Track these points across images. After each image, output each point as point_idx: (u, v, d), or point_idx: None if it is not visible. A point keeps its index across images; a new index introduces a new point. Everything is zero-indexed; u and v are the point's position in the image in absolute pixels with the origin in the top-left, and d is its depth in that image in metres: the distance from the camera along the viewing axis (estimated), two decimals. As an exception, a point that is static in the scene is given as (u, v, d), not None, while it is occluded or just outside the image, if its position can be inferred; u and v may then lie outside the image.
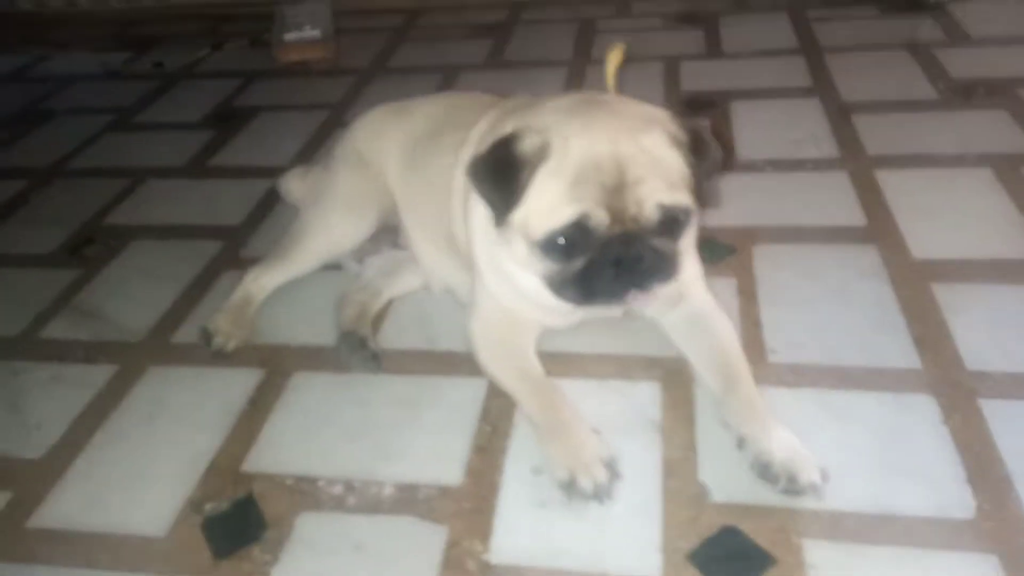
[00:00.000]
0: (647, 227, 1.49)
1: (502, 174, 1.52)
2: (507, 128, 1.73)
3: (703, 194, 1.55)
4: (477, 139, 1.90)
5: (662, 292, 1.58)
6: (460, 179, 1.90)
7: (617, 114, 1.57)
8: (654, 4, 4.13)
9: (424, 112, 2.17)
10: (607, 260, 1.49)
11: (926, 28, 3.47)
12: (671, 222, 1.51)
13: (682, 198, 1.51)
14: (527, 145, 1.51)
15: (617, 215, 1.48)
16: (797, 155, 2.58)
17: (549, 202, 1.49)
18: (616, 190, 1.47)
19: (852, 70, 3.12)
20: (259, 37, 4.24)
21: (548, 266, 1.57)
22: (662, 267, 1.53)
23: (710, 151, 1.58)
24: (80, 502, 1.65)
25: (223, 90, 3.70)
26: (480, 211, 1.74)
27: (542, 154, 1.50)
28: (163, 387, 1.94)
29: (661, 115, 1.60)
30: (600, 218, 1.47)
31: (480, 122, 1.93)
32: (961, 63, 3.08)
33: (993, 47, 3.20)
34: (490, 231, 1.69)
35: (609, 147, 1.48)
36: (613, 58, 1.86)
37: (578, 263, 1.53)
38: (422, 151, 2.06)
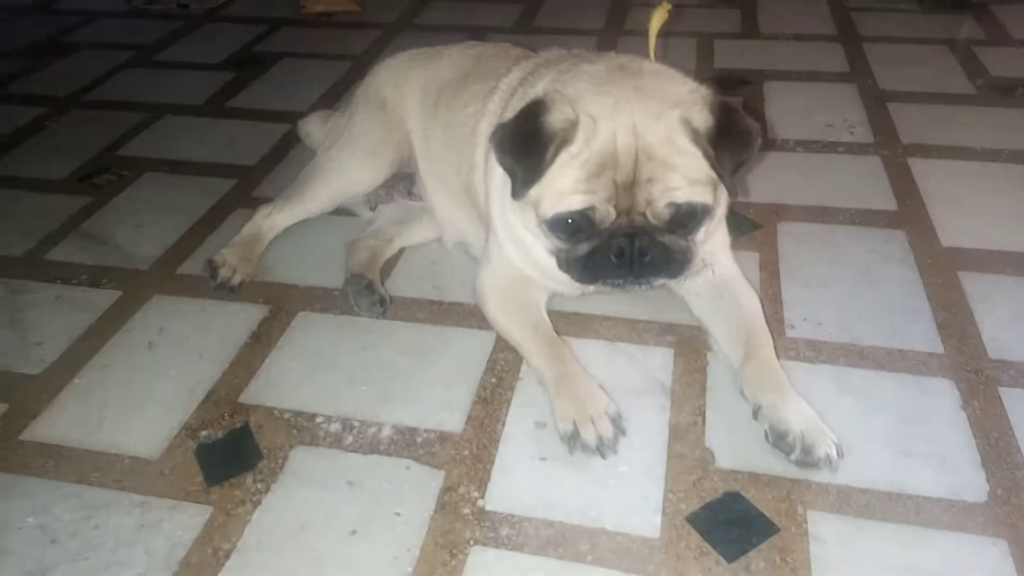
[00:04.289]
0: (657, 224, 1.46)
1: (528, 148, 1.45)
2: (538, 87, 1.69)
3: (729, 183, 1.46)
4: (507, 90, 1.84)
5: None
6: (485, 129, 1.85)
7: (647, 94, 1.47)
8: (690, -18, 4.05)
9: (450, 59, 2.12)
10: (610, 250, 1.47)
11: (967, 27, 3.39)
12: (685, 218, 1.47)
13: (698, 194, 1.44)
14: (556, 120, 1.44)
15: (626, 210, 1.45)
16: (829, 138, 2.52)
17: (563, 186, 1.45)
18: (628, 187, 1.43)
19: (890, 60, 3.05)
20: (287, -15, 4.20)
21: (554, 243, 1.55)
22: (669, 262, 1.49)
23: (740, 136, 1.47)
24: (75, 419, 1.62)
25: (247, 35, 3.66)
26: (501, 170, 1.70)
27: (568, 133, 1.43)
28: (166, 315, 1.90)
29: (692, 95, 1.48)
30: (605, 213, 1.45)
31: (512, 72, 1.88)
32: (1002, 62, 3.00)
33: (1036, 48, 3.13)
34: (506, 193, 1.65)
35: (630, 139, 1.41)
36: (657, 18, 1.80)
37: (584, 247, 1.50)
38: (446, 98, 2.01)
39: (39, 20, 4.02)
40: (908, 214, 2.13)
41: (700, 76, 2.99)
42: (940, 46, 3.19)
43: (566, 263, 1.55)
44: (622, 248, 1.46)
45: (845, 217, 2.13)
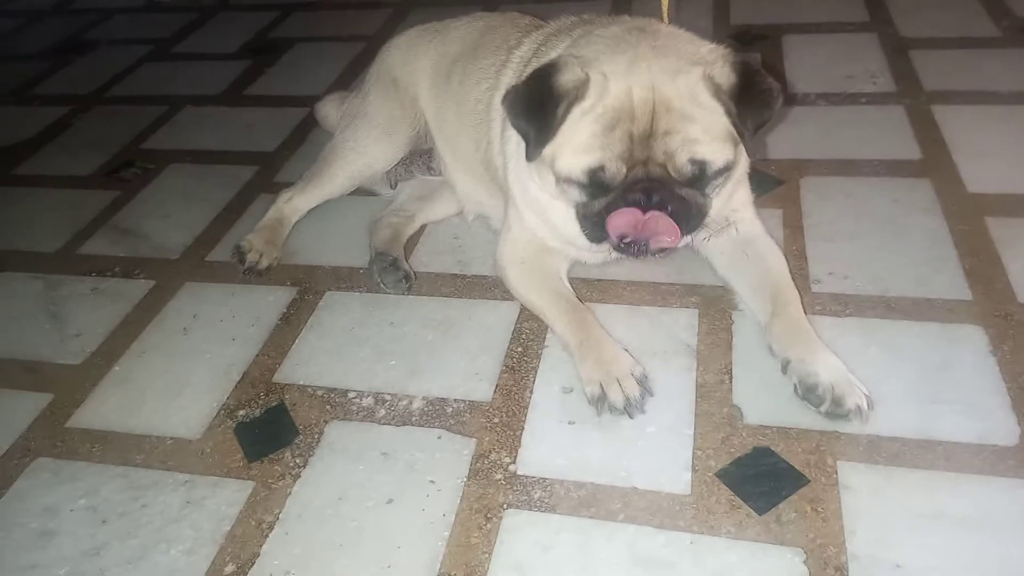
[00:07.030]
0: (677, 177, 1.44)
1: (538, 108, 1.45)
2: (553, 54, 1.68)
3: (749, 142, 1.45)
4: (520, 62, 1.84)
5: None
6: (499, 104, 1.85)
7: (663, 52, 1.46)
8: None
9: (459, 33, 2.12)
10: (627, 204, 1.45)
11: (991, -35, 3.28)
12: (704, 174, 1.45)
13: (718, 151, 1.43)
14: (566, 79, 1.44)
15: (642, 163, 1.43)
16: (851, 89, 2.48)
17: (578, 142, 1.45)
18: (644, 139, 1.42)
19: (910, 7, 2.98)
20: (297, -30, 4.20)
21: (572, 198, 1.55)
22: (686, 217, 1.47)
23: (763, 95, 1.45)
24: (117, 405, 1.68)
25: (260, 22, 3.68)
26: (516, 138, 1.70)
27: (580, 91, 1.43)
28: (198, 302, 1.95)
29: (711, 54, 1.48)
30: (616, 170, 1.43)
31: (524, 43, 1.87)
32: (1027, 0, 2.92)
33: (1064, -16, 3.02)
34: (523, 160, 1.65)
35: (646, 93, 1.40)
36: (670, -21, 1.78)
37: (601, 202, 1.49)
38: (458, 73, 2.01)
39: (57, 21, 4.07)
40: (933, 162, 2.09)
41: (717, 33, 2.98)
42: (963, -12, 3.10)
43: (583, 219, 1.55)
44: (638, 203, 1.45)
45: (869, 169, 2.10)
